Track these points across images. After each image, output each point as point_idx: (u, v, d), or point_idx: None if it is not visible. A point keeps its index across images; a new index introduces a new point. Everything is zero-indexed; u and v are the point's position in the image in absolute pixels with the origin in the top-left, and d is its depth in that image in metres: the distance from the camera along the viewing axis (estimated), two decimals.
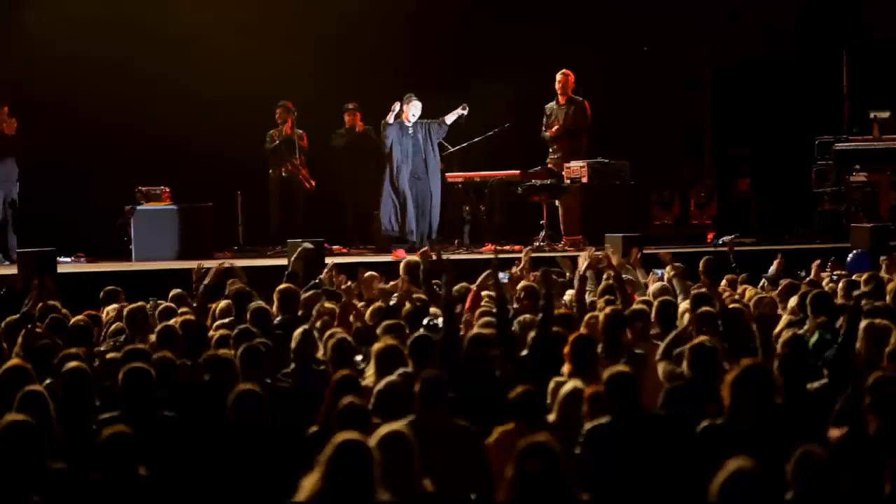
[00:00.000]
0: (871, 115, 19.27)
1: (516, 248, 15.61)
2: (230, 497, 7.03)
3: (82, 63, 18.33)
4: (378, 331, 9.07)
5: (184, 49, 18.77)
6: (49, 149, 17.49)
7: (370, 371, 8.11)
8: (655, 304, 9.69)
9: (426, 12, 19.69)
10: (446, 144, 18.38)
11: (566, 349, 8.02)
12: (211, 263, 11.98)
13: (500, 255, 11.77)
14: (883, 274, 11.85)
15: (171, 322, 9.66)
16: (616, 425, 6.86)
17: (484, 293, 10.57)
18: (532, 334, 8.69)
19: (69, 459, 6.61)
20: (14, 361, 8.00)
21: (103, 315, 11.20)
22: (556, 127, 18.10)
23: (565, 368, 7.97)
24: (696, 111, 21.43)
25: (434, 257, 12.24)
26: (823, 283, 11.75)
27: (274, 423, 7.23)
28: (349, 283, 11.54)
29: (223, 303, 10.79)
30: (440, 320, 9.44)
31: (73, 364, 7.79)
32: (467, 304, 10.39)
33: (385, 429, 6.05)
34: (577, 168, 17.82)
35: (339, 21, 19.50)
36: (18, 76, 18.13)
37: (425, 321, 9.63)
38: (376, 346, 8.20)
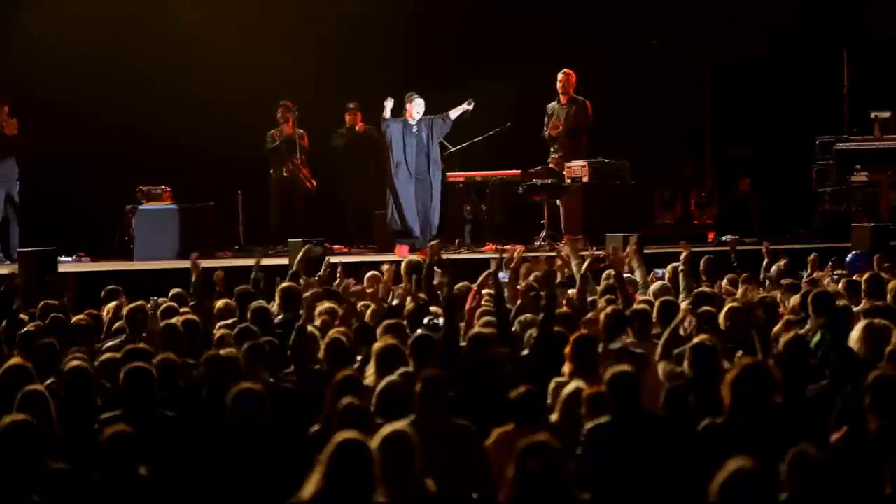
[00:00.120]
0: (872, 115, 19.25)
1: (517, 247, 15.58)
2: (231, 497, 7.03)
3: (82, 63, 18.34)
4: (378, 330, 9.07)
5: (184, 49, 18.77)
6: (49, 149, 17.50)
7: (370, 371, 8.11)
8: (657, 304, 9.69)
9: (426, 12, 19.69)
10: (447, 144, 18.37)
11: (567, 349, 8.03)
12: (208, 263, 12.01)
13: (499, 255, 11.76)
14: (883, 274, 11.83)
15: (173, 321, 9.66)
16: (616, 425, 6.87)
17: (484, 292, 10.57)
18: (533, 333, 8.70)
19: (70, 459, 6.61)
20: (14, 361, 7.99)
21: (104, 314, 11.21)
22: (560, 128, 18.10)
23: (566, 368, 7.97)
24: (696, 111, 21.42)
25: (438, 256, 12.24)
26: (825, 283, 11.75)
27: (275, 422, 7.22)
28: (357, 285, 11.53)
29: (221, 302, 10.80)
30: (440, 320, 9.45)
31: (74, 363, 7.79)
32: (468, 304, 10.39)
33: (387, 429, 6.04)
34: (577, 167, 17.82)
35: (340, 21, 19.51)
36: (18, 76, 18.13)
37: (425, 321, 9.63)
38: (376, 346, 8.20)
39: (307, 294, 10.42)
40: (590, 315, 9.75)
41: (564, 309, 9.87)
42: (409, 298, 10.54)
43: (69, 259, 16.88)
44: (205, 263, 11.87)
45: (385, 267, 12.45)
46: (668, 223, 20.01)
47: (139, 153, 18.73)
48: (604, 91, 18.89)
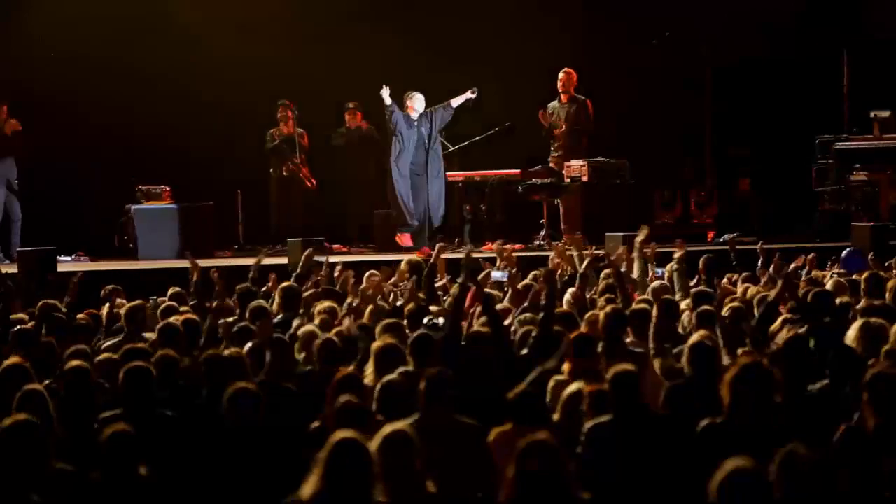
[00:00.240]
0: (872, 115, 19.24)
1: (517, 246, 15.58)
2: (230, 496, 7.03)
3: (82, 63, 18.35)
4: (378, 330, 9.06)
5: (184, 49, 18.77)
6: (49, 149, 17.51)
7: (370, 370, 8.11)
8: (657, 303, 9.68)
9: (426, 12, 19.69)
10: (447, 144, 18.39)
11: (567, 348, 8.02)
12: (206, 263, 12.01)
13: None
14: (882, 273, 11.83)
15: (173, 320, 9.66)
16: (617, 424, 6.86)
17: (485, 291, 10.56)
18: (533, 333, 8.69)
19: (70, 459, 6.60)
20: (14, 360, 7.99)
21: (103, 313, 11.20)
22: (562, 127, 18.10)
23: (566, 367, 7.97)
24: (696, 111, 21.41)
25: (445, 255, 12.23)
26: (826, 282, 11.74)
27: (273, 421, 7.22)
28: (355, 282, 11.51)
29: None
30: (440, 320, 9.45)
31: (74, 363, 7.79)
32: (467, 303, 10.38)
33: (388, 428, 6.03)
34: (577, 167, 17.83)
35: (340, 20, 19.50)
36: (18, 76, 18.13)
37: (425, 320, 9.63)
38: (375, 345, 8.19)
39: (307, 294, 10.43)
40: (589, 314, 9.74)
41: (564, 308, 9.88)
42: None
43: (68, 259, 16.88)
44: (204, 263, 11.87)
45: (384, 268, 12.43)
46: (668, 223, 19.99)
47: (139, 153, 18.74)
48: (604, 91, 18.89)
